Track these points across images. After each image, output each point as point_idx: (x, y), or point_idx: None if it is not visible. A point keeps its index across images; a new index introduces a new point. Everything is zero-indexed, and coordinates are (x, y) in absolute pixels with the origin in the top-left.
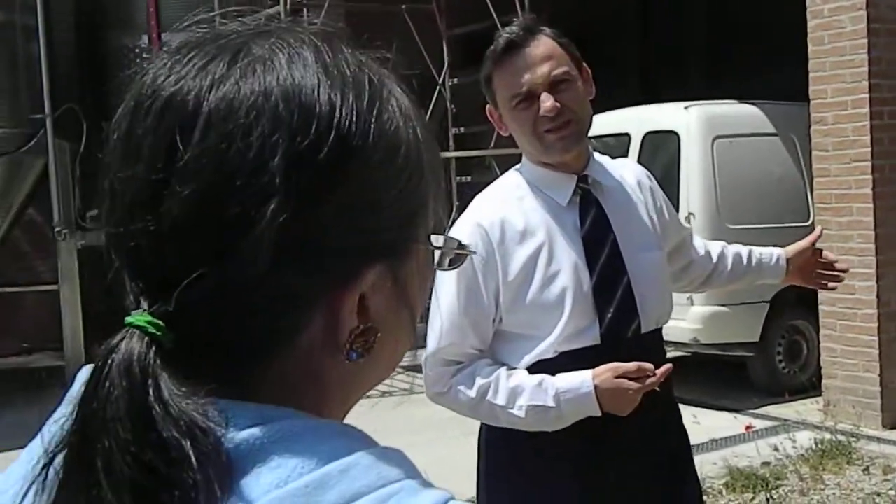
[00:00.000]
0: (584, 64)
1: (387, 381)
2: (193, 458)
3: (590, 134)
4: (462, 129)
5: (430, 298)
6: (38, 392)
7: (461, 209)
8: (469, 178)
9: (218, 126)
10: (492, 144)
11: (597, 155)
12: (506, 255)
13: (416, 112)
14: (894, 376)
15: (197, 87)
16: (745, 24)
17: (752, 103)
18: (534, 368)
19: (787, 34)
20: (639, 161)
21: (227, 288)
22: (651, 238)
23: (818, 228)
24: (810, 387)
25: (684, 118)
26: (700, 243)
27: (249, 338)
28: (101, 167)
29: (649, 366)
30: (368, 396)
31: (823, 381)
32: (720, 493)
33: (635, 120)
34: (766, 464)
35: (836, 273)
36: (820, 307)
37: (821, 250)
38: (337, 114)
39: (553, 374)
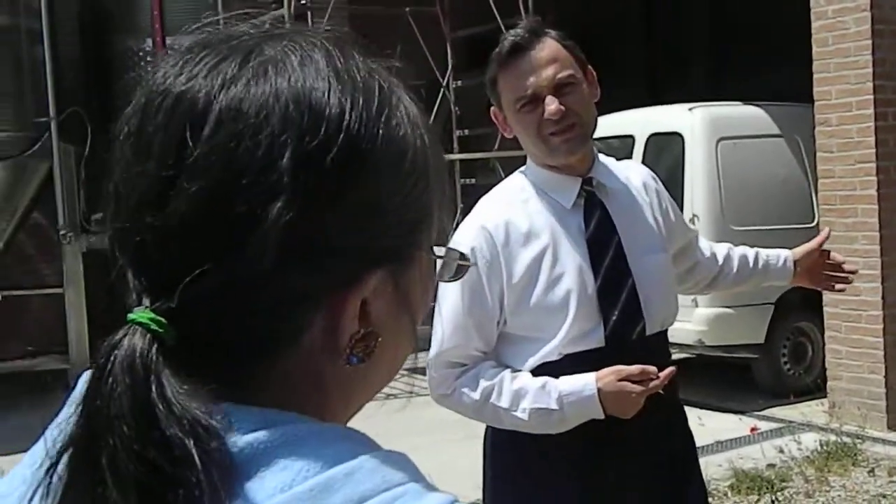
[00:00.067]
0: (589, 66)
1: (390, 385)
2: (197, 458)
3: (594, 136)
4: (466, 132)
5: (433, 302)
6: (42, 395)
7: (465, 211)
8: (473, 181)
9: (228, 124)
10: (496, 147)
11: (602, 157)
12: (510, 258)
13: (424, 120)
14: None
15: (208, 85)
16: (748, 25)
17: (757, 105)
18: (538, 371)
19: (791, 35)
20: (643, 163)
21: (230, 286)
22: (656, 240)
23: (826, 229)
24: (815, 388)
25: (688, 120)
26: (706, 245)
27: (250, 338)
28: (109, 163)
29: (653, 369)
30: (373, 399)
31: (828, 383)
32: (725, 494)
33: (639, 122)
34: (771, 465)
35: (844, 274)
36: (825, 309)
37: (829, 252)
38: (346, 117)
39: (557, 376)
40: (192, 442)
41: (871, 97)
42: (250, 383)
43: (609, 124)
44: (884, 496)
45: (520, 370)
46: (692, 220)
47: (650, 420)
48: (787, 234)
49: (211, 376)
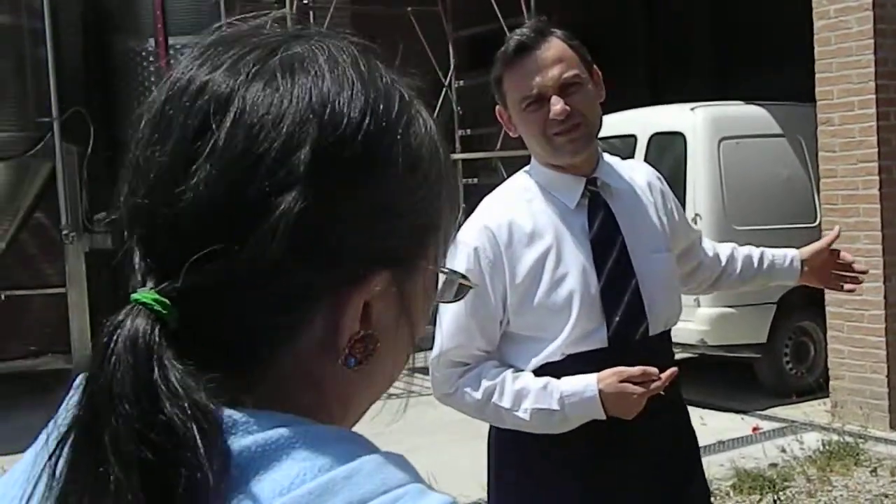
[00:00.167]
0: (595, 66)
1: (396, 385)
2: (199, 441)
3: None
4: (468, 132)
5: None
6: (44, 395)
7: (467, 211)
8: (475, 180)
9: (251, 112)
10: (498, 146)
11: (606, 156)
12: (513, 258)
13: (440, 136)
14: None
15: (233, 75)
16: (750, 25)
17: (759, 104)
18: (541, 371)
19: (793, 35)
20: (645, 162)
21: (236, 272)
22: (660, 240)
23: (836, 228)
24: (817, 388)
25: (690, 119)
26: (709, 245)
27: (252, 328)
28: (129, 143)
29: (654, 370)
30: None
31: (831, 383)
32: (727, 494)
33: (641, 121)
34: (773, 465)
35: (853, 274)
36: (827, 308)
37: (838, 251)
38: (367, 118)
39: (560, 376)
40: (193, 425)
41: (874, 97)
42: (248, 375)
43: (611, 124)
44: (886, 496)
45: (522, 370)
46: (694, 220)
47: (652, 421)
48: (789, 233)
49: (210, 364)
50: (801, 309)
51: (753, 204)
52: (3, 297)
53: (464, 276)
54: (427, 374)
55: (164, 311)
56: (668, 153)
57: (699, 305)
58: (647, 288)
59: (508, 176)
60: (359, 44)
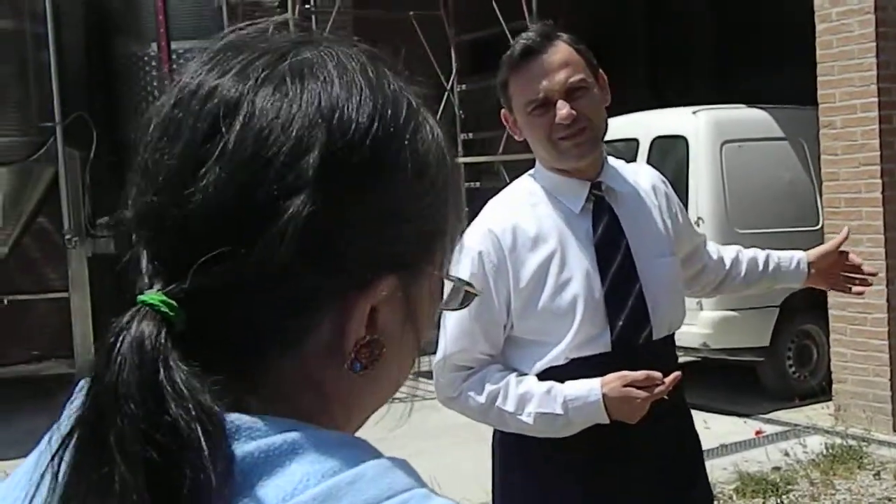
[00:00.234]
0: (601, 70)
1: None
2: (203, 443)
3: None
4: (470, 135)
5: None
6: (47, 400)
7: (471, 215)
8: (478, 184)
9: (261, 116)
10: (500, 150)
11: (611, 160)
12: (517, 262)
13: (447, 143)
14: None
15: (243, 80)
16: (751, 27)
17: (761, 108)
18: (544, 375)
19: (795, 38)
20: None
21: (244, 275)
22: (664, 244)
23: (844, 230)
24: (820, 391)
25: (693, 123)
26: (713, 248)
27: (258, 332)
28: (133, 153)
29: (658, 374)
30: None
31: (834, 386)
32: (731, 498)
33: (643, 125)
34: (776, 469)
35: (863, 276)
36: (830, 312)
37: (847, 253)
38: (375, 124)
39: (564, 380)
40: (197, 426)
41: (876, 100)
42: (253, 378)
43: (613, 127)
44: (889, 499)
45: (526, 374)
46: (697, 224)
47: (656, 425)
48: (791, 236)
49: (216, 366)
50: (803, 312)
51: (756, 207)
52: (5, 301)
53: (469, 284)
54: (431, 378)
55: (171, 313)
56: (670, 157)
57: (702, 309)
58: (650, 292)
59: (511, 179)
60: (367, 51)
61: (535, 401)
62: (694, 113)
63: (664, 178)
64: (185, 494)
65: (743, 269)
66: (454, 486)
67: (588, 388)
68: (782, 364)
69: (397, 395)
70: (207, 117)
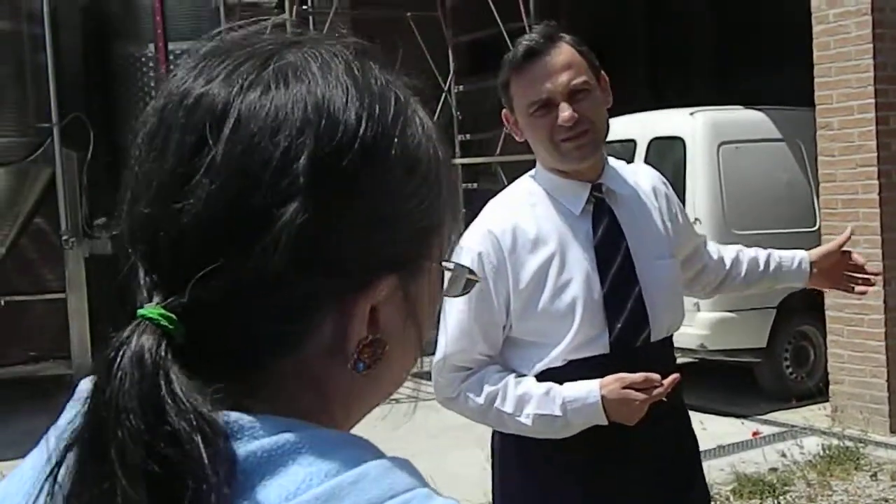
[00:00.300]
0: (603, 72)
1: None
2: (204, 453)
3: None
4: (468, 136)
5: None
6: (45, 401)
7: (467, 216)
8: (475, 185)
9: (247, 125)
10: (498, 151)
11: (612, 160)
12: (517, 264)
13: (438, 135)
14: None
15: (228, 87)
16: (750, 28)
17: (758, 109)
18: (542, 376)
19: (793, 39)
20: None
21: (241, 286)
22: (664, 246)
23: (847, 230)
24: (818, 392)
25: (690, 124)
26: (714, 248)
27: (259, 339)
28: (124, 160)
29: (656, 376)
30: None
31: (831, 387)
32: (727, 499)
33: (641, 126)
34: (773, 470)
35: (866, 276)
36: (827, 313)
37: (850, 253)
38: (363, 124)
39: (561, 381)
40: (198, 437)
41: (873, 101)
42: (253, 384)
43: (610, 128)
44: (886, 500)
45: (525, 375)
46: (694, 224)
47: (654, 427)
48: (788, 237)
49: (217, 375)
50: (801, 313)
51: (753, 208)
52: (2, 302)
53: (471, 271)
54: (431, 379)
55: (171, 327)
56: (667, 158)
57: (699, 310)
58: (650, 294)
59: (509, 180)
60: (352, 46)
61: (533, 402)
62: (691, 114)
63: (664, 179)
64: None
65: (743, 269)
66: (454, 486)
67: (587, 390)
68: (779, 365)
69: (399, 396)
70: (194, 130)
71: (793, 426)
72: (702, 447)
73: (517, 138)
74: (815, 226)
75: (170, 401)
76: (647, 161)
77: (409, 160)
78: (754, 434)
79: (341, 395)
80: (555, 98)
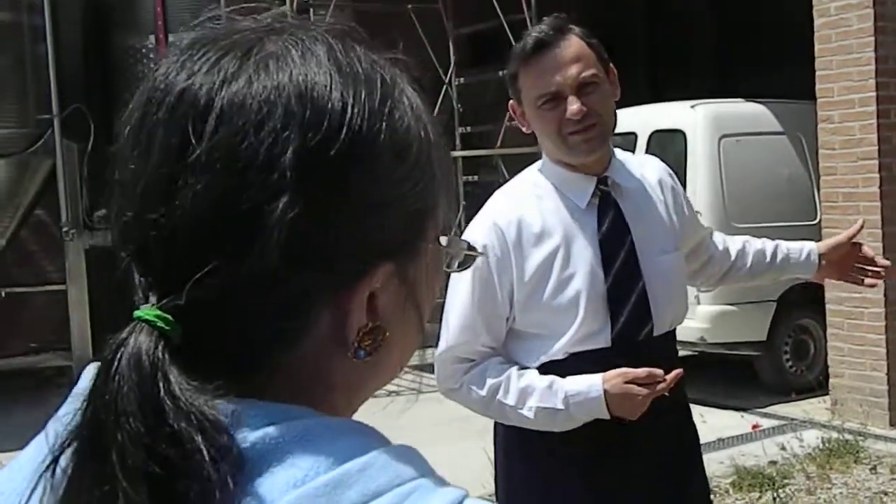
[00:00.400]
0: (611, 65)
1: (396, 381)
2: (206, 452)
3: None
4: (468, 129)
5: (443, 297)
6: (45, 392)
7: (467, 208)
8: (476, 178)
9: (230, 121)
10: (498, 144)
11: (618, 152)
12: (521, 256)
13: (427, 112)
14: None
15: (209, 82)
16: (751, 23)
17: (759, 102)
18: (543, 369)
19: (794, 33)
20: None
21: (236, 284)
22: (669, 240)
23: (859, 222)
24: (817, 386)
25: (691, 117)
26: (720, 239)
27: (258, 335)
28: (112, 161)
29: (659, 372)
30: (375, 396)
31: (831, 380)
32: (727, 492)
33: (642, 119)
34: (773, 463)
35: (876, 269)
36: (827, 306)
37: (860, 245)
38: (349, 111)
39: (563, 374)
40: (200, 436)
41: (874, 94)
42: (256, 379)
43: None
44: (885, 493)
45: (527, 367)
46: None
47: (657, 421)
48: (789, 231)
49: (216, 373)
50: (801, 306)
51: (754, 202)
52: (3, 294)
53: (469, 245)
54: (433, 371)
55: (167, 328)
56: (668, 151)
57: (699, 303)
58: (653, 289)
59: (509, 173)
60: (334, 30)
61: (536, 395)
62: (692, 107)
63: (671, 171)
64: None
65: (749, 260)
66: (455, 478)
67: (589, 384)
68: (779, 358)
69: (400, 388)
70: (177, 128)
71: (792, 419)
72: (701, 440)
73: (524, 130)
74: (815, 219)
75: (169, 402)
76: (647, 154)
77: (398, 144)
78: (754, 427)
79: (343, 384)
80: (563, 91)
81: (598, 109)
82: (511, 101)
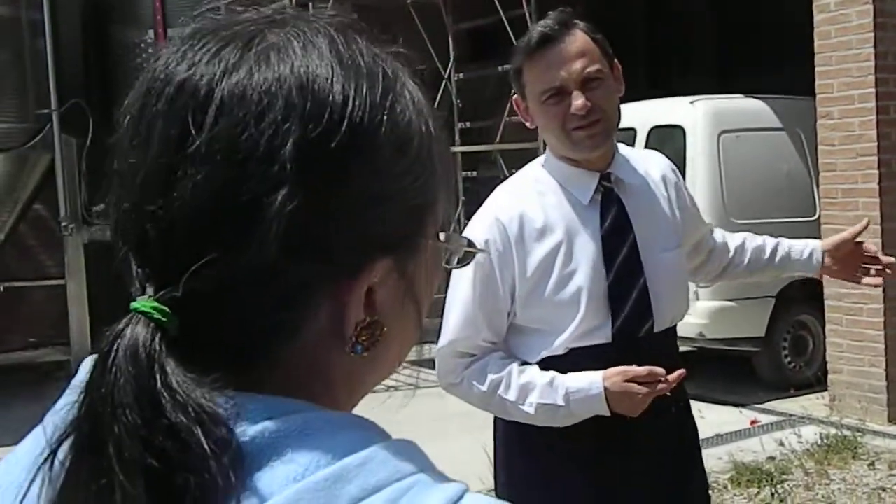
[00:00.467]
0: (616, 60)
1: (394, 376)
2: (205, 444)
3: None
4: (468, 124)
5: (444, 292)
6: (44, 387)
7: (466, 204)
8: (475, 173)
9: (230, 112)
10: (497, 139)
11: (622, 148)
12: (523, 252)
13: (428, 107)
14: None
15: (210, 72)
16: (751, 20)
17: (759, 98)
18: (543, 364)
19: (794, 30)
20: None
21: (234, 276)
22: (671, 236)
23: (864, 220)
24: (816, 382)
25: (690, 113)
26: (720, 235)
27: (256, 326)
28: (112, 151)
29: (661, 370)
30: (374, 391)
31: (829, 376)
32: (725, 487)
33: (641, 114)
34: (771, 458)
35: (880, 267)
36: (826, 302)
37: (863, 243)
38: (350, 104)
39: (563, 370)
40: (198, 429)
41: (874, 90)
42: (254, 373)
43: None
44: (883, 489)
45: (527, 362)
46: None
47: (657, 419)
48: (788, 227)
49: (214, 366)
50: (799, 302)
51: (753, 197)
52: (2, 288)
53: (469, 242)
54: (433, 367)
55: (164, 319)
56: (667, 146)
57: (698, 299)
58: (654, 286)
59: (508, 168)
60: (336, 23)
61: (536, 391)
62: (691, 103)
63: (674, 167)
64: (189, 499)
65: (747, 257)
66: (454, 473)
67: (589, 381)
68: (778, 354)
69: (398, 383)
70: (177, 118)
71: (791, 415)
72: (700, 436)
73: (528, 125)
74: (814, 215)
75: (166, 394)
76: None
77: (399, 138)
78: (752, 423)
79: (342, 378)
80: (568, 86)
81: (603, 105)
82: (515, 96)
